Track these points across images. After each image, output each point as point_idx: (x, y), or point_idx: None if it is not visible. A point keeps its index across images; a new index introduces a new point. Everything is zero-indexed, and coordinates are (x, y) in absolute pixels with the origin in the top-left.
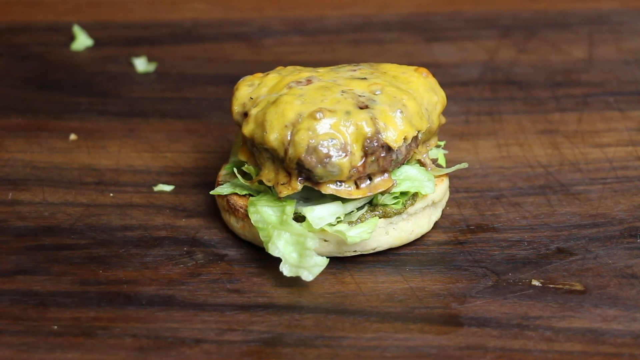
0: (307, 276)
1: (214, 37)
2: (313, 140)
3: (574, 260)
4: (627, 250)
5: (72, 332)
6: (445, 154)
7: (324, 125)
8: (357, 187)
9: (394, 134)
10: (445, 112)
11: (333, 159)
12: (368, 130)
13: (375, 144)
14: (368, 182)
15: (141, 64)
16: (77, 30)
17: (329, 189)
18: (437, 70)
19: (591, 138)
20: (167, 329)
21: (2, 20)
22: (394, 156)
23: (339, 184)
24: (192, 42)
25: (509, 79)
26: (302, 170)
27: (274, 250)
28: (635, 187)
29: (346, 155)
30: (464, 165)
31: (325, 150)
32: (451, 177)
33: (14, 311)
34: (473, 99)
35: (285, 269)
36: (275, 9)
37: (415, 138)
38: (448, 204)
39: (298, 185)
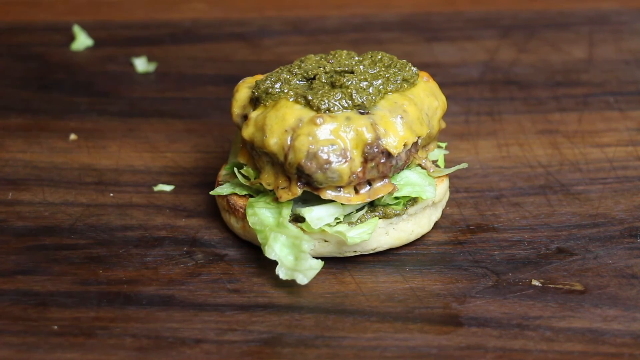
0: (302, 279)
1: (214, 37)
2: (313, 146)
3: (574, 260)
4: (627, 250)
5: (72, 332)
6: (444, 154)
7: (324, 131)
8: (357, 192)
9: (394, 140)
10: (445, 113)
11: (333, 165)
12: (368, 136)
13: (375, 150)
14: (367, 187)
15: (141, 64)
16: (77, 30)
17: (329, 195)
18: (437, 70)
19: (591, 138)
20: (167, 329)
21: (2, 20)
22: (393, 162)
23: (338, 189)
24: (192, 42)
25: (509, 79)
26: (302, 175)
27: (270, 253)
28: (635, 187)
29: (346, 161)
30: (464, 165)
31: (325, 156)
32: (451, 177)
33: (14, 311)
34: (473, 99)
35: (281, 272)
36: (275, 9)
37: (415, 143)
38: (448, 204)
39: (298, 190)
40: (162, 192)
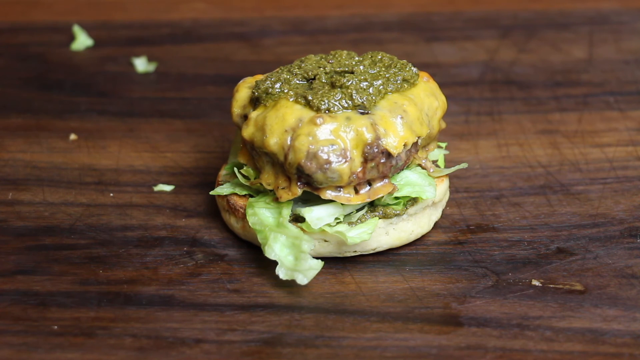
0: (302, 280)
1: (214, 37)
2: (313, 146)
3: (574, 260)
4: (627, 250)
5: (72, 332)
6: (444, 154)
7: (324, 131)
8: (357, 192)
9: (394, 140)
10: (445, 113)
11: (333, 165)
12: (368, 136)
13: (375, 150)
14: (367, 187)
15: (141, 64)
16: (77, 30)
17: (329, 195)
18: (437, 70)
19: (591, 138)
20: (167, 329)
21: (2, 20)
22: (393, 162)
23: (338, 189)
24: (192, 42)
25: (509, 79)
26: (302, 175)
27: (270, 253)
28: (635, 187)
29: (346, 161)
30: (464, 165)
31: (325, 156)
32: (451, 177)
33: (14, 311)
34: (473, 99)
35: (281, 272)
36: (275, 9)
37: (415, 144)
38: (448, 204)
39: (298, 190)
40: (162, 192)
